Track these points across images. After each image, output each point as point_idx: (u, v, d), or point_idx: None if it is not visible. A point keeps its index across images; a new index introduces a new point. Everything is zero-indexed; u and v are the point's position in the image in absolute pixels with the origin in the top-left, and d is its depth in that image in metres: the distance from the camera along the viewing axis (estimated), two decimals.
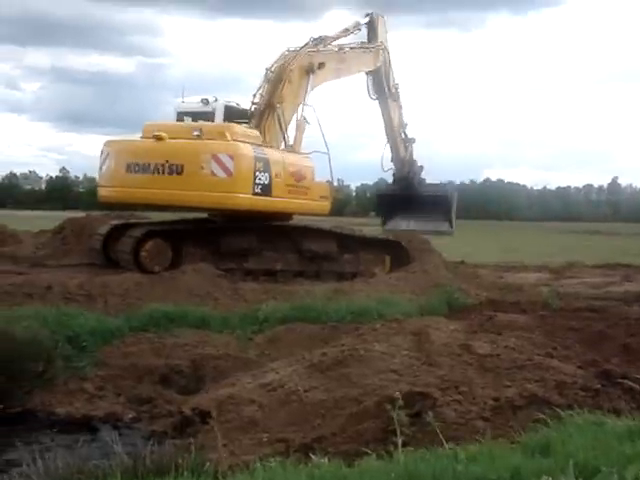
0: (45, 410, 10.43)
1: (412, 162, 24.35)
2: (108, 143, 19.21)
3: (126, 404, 10.73)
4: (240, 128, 18.47)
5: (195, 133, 18.02)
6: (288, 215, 19.99)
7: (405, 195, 23.11)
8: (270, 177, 18.17)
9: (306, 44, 20.01)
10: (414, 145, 24.46)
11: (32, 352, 10.73)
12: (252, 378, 10.13)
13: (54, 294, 14.70)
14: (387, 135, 23.23)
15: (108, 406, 10.65)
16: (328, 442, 7.21)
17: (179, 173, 17.61)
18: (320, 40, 20.41)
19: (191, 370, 11.80)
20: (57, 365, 11.18)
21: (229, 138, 17.87)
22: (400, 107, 23.81)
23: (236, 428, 8.33)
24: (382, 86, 22.96)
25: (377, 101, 23.22)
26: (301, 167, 19.64)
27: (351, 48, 21.57)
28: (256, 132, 18.80)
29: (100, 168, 19.00)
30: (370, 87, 22.90)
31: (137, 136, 19.33)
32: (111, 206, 22.42)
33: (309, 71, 19.67)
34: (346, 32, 21.63)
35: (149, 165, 17.84)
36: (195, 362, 11.96)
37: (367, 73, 22.51)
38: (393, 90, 23.43)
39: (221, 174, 17.43)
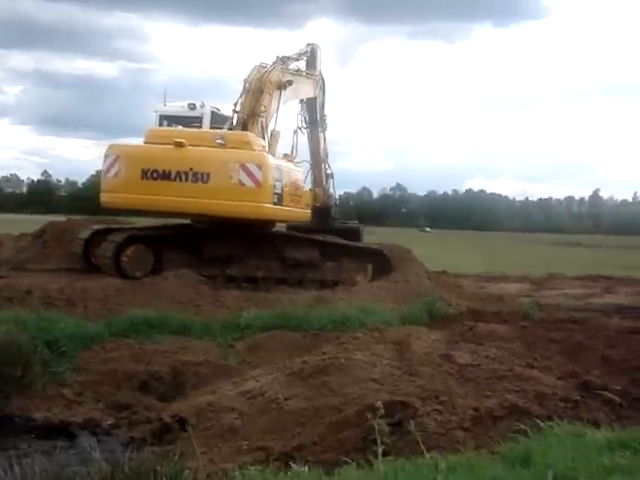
0: (23, 415, 10.33)
1: (329, 195, 23.80)
2: (114, 147, 18.91)
3: (105, 410, 10.65)
4: (256, 137, 18.55)
5: (218, 141, 17.97)
6: (274, 223, 20.10)
7: (320, 229, 22.47)
8: (282, 186, 18.32)
9: (275, 61, 20.16)
10: (332, 181, 24.04)
11: (11, 356, 10.62)
12: (232, 385, 10.10)
13: (34, 298, 14.61)
14: (312, 164, 23.05)
15: (87, 412, 10.57)
16: (308, 451, 7.19)
17: (205, 181, 17.54)
18: (284, 60, 20.58)
19: (171, 377, 11.74)
20: (36, 370, 11.07)
21: (255, 147, 17.94)
22: (325, 139, 23.79)
23: (216, 435, 8.30)
24: (314, 115, 23.01)
25: (307, 129, 23.09)
26: (297, 176, 19.95)
27: (302, 74, 21.76)
28: (263, 141, 18.90)
29: (105, 173, 18.69)
30: (304, 115, 22.92)
31: (136, 141, 19.19)
32: (115, 212, 22.17)
33: (280, 86, 19.84)
34: (299, 56, 21.84)
35: (170, 172, 17.69)
36: (175, 369, 11.91)
37: (301, 101, 22.58)
38: (323, 121, 23.45)
39: (249, 183, 17.46)
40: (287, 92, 20.28)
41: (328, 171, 23.68)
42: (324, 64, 23.32)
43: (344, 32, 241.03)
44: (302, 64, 22.20)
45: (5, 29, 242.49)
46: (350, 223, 24.37)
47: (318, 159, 23.25)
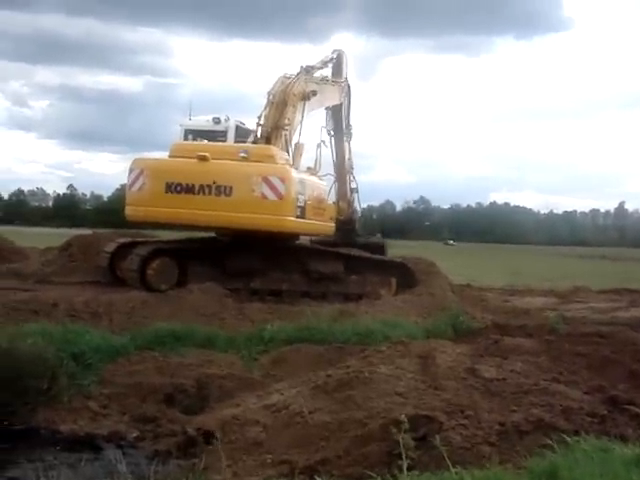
0: (49, 427, 10.38)
1: (354, 209, 23.74)
2: (139, 161, 19.07)
3: (130, 423, 10.68)
4: (279, 150, 18.63)
5: (242, 154, 18.08)
6: (298, 236, 20.14)
7: (344, 244, 22.23)
8: (305, 200, 18.38)
9: (299, 72, 20.21)
10: (356, 194, 23.84)
11: (37, 369, 10.70)
12: (257, 399, 10.10)
13: (60, 311, 14.71)
14: (336, 176, 22.88)
15: (112, 425, 10.60)
16: (332, 464, 7.16)
17: (227, 195, 17.63)
18: (309, 69, 20.62)
19: (196, 390, 11.75)
20: (62, 382, 11.14)
21: (278, 161, 18.03)
22: (350, 150, 23.68)
23: (240, 449, 8.30)
24: (339, 123, 22.97)
25: (332, 138, 23.01)
26: (321, 189, 20.00)
27: (327, 80, 21.78)
28: (286, 154, 18.97)
29: (129, 186, 18.84)
30: (328, 122, 22.91)
31: (160, 155, 19.31)
32: (140, 225, 22.31)
33: (305, 97, 19.88)
34: (323, 64, 21.86)
35: (193, 186, 17.81)
36: (200, 382, 11.92)
37: (327, 108, 22.56)
38: (348, 130, 23.40)
39: (272, 197, 17.54)
40: (312, 102, 20.33)
41: (353, 184, 23.64)
42: (349, 73, 23.32)
43: (366, 46, 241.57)
44: (327, 71, 22.20)
45: (31, 45, 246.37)
46: (374, 238, 24.31)
47: (342, 171, 23.22)
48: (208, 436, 8.91)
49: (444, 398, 8.20)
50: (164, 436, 9.95)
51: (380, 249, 22.67)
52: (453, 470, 5.71)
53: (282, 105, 19.40)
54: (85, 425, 10.53)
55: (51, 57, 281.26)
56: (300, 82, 19.89)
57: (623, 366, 11.45)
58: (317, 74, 21.24)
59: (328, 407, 8.65)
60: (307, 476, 6.65)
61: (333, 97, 22.12)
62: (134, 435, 10.28)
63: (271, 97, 19.65)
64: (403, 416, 6.41)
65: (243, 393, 11.04)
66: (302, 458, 7.52)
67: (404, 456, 5.85)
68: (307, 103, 20.07)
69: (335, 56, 22.67)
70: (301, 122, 20.04)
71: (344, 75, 22.84)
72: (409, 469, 5.77)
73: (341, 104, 22.70)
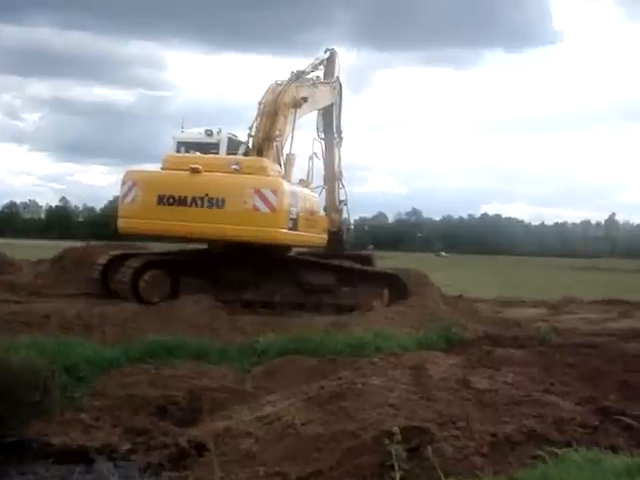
0: (41, 440, 10.33)
1: (342, 220, 23.50)
2: (131, 173, 19.12)
3: (122, 435, 10.64)
4: (271, 162, 18.66)
5: (234, 167, 18.11)
6: (290, 248, 20.15)
7: (332, 255, 21.94)
8: (297, 212, 18.40)
9: (290, 78, 20.21)
10: (346, 206, 23.75)
11: (29, 381, 10.67)
12: (249, 411, 10.09)
13: (52, 323, 14.71)
14: (325, 180, 22.83)
15: (104, 437, 10.55)
16: (325, 476, 7.17)
17: (220, 207, 17.65)
18: (299, 75, 20.63)
19: (188, 402, 11.72)
20: (54, 395, 11.09)
21: (270, 173, 18.06)
22: (340, 157, 23.58)
23: (232, 461, 8.29)
24: (331, 125, 22.92)
25: (323, 142, 22.91)
26: (313, 201, 20.01)
27: (320, 83, 21.78)
28: (278, 166, 19.00)
29: (122, 199, 18.84)
30: (319, 125, 22.88)
31: (152, 167, 19.32)
32: (132, 237, 22.30)
33: (296, 105, 19.90)
34: (314, 67, 21.86)
35: (185, 198, 17.81)
36: (192, 394, 11.89)
37: (319, 110, 22.54)
38: (339, 134, 23.32)
39: (264, 209, 17.60)
40: (303, 107, 20.35)
41: (342, 195, 23.60)
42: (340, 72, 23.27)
43: (357, 59, 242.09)
44: (319, 73, 22.13)
45: (23, 57, 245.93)
46: (363, 252, 24.18)
47: (332, 179, 23.13)
48: (200, 448, 8.90)
49: (436, 409, 8.21)
50: (156, 448, 9.91)
51: (368, 261, 22.69)
52: None
53: (273, 115, 19.44)
54: (77, 437, 10.49)
55: (43, 69, 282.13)
56: (291, 89, 19.91)
57: (614, 377, 11.49)
58: (308, 76, 21.24)
59: (321, 419, 8.66)
60: None
61: (325, 98, 22.13)
62: (126, 447, 10.23)
63: (262, 107, 19.68)
64: (395, 427, 6.42)
65: (235, 405, 11.02)
66: (295, 470, 7.52)
67: (396, 467, 5.86)
68: (298, 110, 20.09)
69: (327, 56, 22.65)
70: (292, 132, 20.06)
71: (336, 74, 22.84)
72: None
73: (333, 104, 22.69)
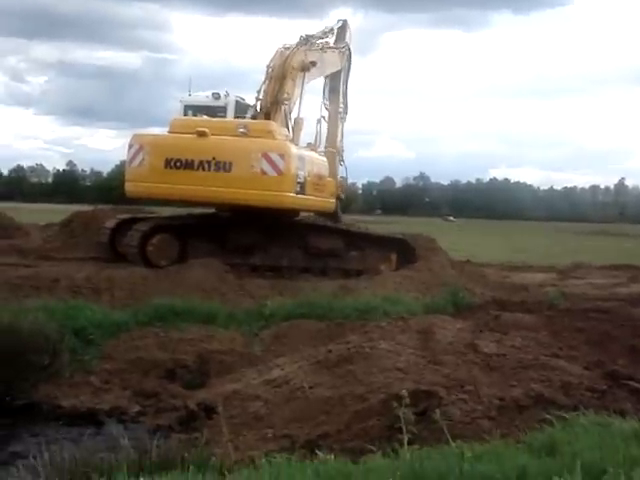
0: (51, 403, 10.43)
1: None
2: (138, 137, 19.02)
3: (132, 398, 10.73)
4: (279, 126, 18.52)
5: (241, 130, 18.00)
6: (298, 212, 20.08)
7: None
8: (304, 176, 18.31)
9: (299, 42, 20.02)
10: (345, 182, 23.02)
11: (38, 345, 10.74)
12: (257, 374, 10.16)
13: (61, 287, 14.76)
14: (326, 150, 21.98)
15: (114, 400, 10.65)
16: (333, 439, 7.21)
17: (227, 170, 17.59)
18: (308, 39, 20.42)
19: (197, 365, 11.81)
20: (63, 358, 11.19)
21: (277, 136, 17.95)
22: (343, 133, 23.03)
23: (241, 423, 8.34)
24: (337, 92, 22.59)
25: (327, 111, 22.44)
26: (321, 165, 19.88)
27: (329, 48, 21.56)
28: (285, 130, 18.86)
29: (129, 162, 18.78)
30: (326, 92, 22.60)
31: (158, 130, 19.18)
32: (140, 201, 22.23)
33: (304, 69, 19.72)
34: (324, 34, 21.61)
35: (192, 161, 17.75)
36: (201, 357, 11.97)
37: (326, 76, 22.29)
38: (345, 106, 22.89)
39: (271, 172, 17.50)
40: (312, 72, 20.17)
41: (342, 173, 22.80)
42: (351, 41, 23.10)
43: (364, 21, 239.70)
44: (328, 40, 21.89)
45: (27, 19, 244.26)
46: (355, 225, 23.48)
47: (334, 145, 22.60)
48: (209, 411, 8.97)
49: (444, 373, 8.23)
50: (165, 411, 10.00)
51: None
52: (453, 444, 5.74)
53: (281, 78, 19.26)
54: (87, 400, 10.59)
55: (48, 32, 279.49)
56: (299, 53, 19.71)
57: (622, 341, 11.50)
58: (317, 43, 21.04)
59: (329, 382, 8.70)
60: (308, 450, 6.68)
61: (334, 64, 21.90)
62: (136, 410, 10.33)
63: (270, 70, 19.49)
64: (404, 391, 6.42)
65: (244, 368, 11.11)
66: (303, 432, 7.56)
67: (404, 430, 5.87)
68: (307, 74, 19.91)
69: (339, 26, 22.45)
70: (301, 95, 19.89)
71: (346, 40, 22.62)
72: (409, 443, 5.79)
73: (341, 70, 22.48)
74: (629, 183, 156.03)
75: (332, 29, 22.18)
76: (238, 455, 6.95)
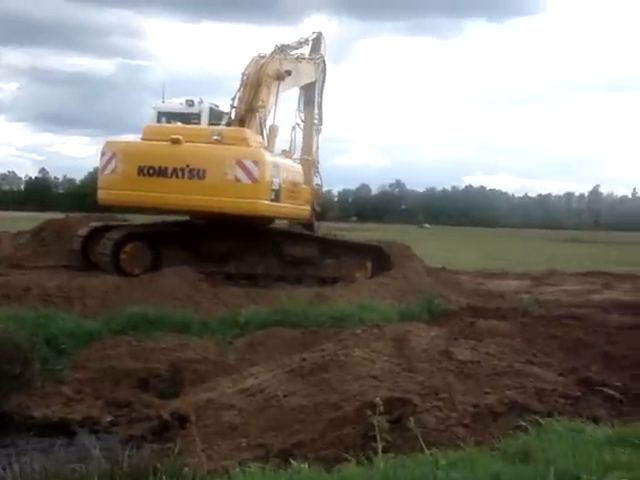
0: (22, 413, 10.29)
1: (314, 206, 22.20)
2: (111, 144, 18.87)
3: (104, 408, 10.62)
4: (253, 133, 18.47)
5: (215, 137, 17.93)
6: (273, 219, 20.02)
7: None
8: (279, 183, 18.27)
9: (274, 51, 20.02)
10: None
11: (9, 354, 10.60)
12: (232, 383, 10.09)
13: (32, 296, 14.59)
14: (301, 158, 21.77)
15: (86, 410, 10.53)
16: (307, 447, 7.18)
17: (201, 178, 17.50)
18: (283, 48, 20.42)
19: (170, 374, 11.71)
20: (34, 367, 11.05)
21: (252, 144, 17.89)
22: (318, 145, 22.94)
23: (215, 433, 8.29)
24: (312, 104, 22.60)
25: (302, 123, 22.30)
26: (295, 172, 19.83)
27: (304, 59, 21.57)
28: (260, 137, 18.82)
29: (102, 170, 18.62)
30: (300, 102, 22.60)
31: (132, 137, 19.05)
32: (113, 209, 22.07)
33: (279, 77, 19.72)
34: (299, 44, 21.64)
35: (166, 169, 17.63)
36: (174, 366, 11.88)
37: (301, 87, 22.29)
38: (319, 117, 22.85)
39: (245, 180, 17.41)
40: (287, 81, 20.17)
41: (318, 181, 22.82)
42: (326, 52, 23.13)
43: (339, 28, 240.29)
44: (303, 51, 21.93)
45: (0, 25, 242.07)
46: (331, 234, 23.45)
47: (309, 155, 22.52)
48: (183, 420, 8.89)
49: (418, 381, 8.23)
50: (138, 421, 9.91)
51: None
52: (427, 452, 5.72)
53: (256, 86, 19.24)
54: (58, 410, 10.46)
55: (21, 39, 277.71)
56: (274, 62, 19.71)
57: (596, 348, 11.60)
58: (293, 52, 21.05)
59: (303, 390, 8.66)
60: (282, 459, 6.64)
61: (309, 74, 21.90)
62: (108, 420, 10.22)
63: (245, 78, 19.46)
64: (378, 399, 6.40)
65: (218, 377, 11.03)
66: (277, 441, 7.53)
67: (379, 438, 5.84)
68: (281, 83, 19.90)
69: (313, 37, 22.49)
70: (275, 103, 19.88)
71: (321, 52, 22.65)
72: (384, 451, 5.77)
73: (315, 81, 22.48)
74: (603, 190, 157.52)
75: (307, 40, 22.19)
76: (211, 465, 6.89)
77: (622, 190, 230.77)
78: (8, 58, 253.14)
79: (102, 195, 18.63)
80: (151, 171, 17.67)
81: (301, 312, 14.82)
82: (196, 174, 17.50)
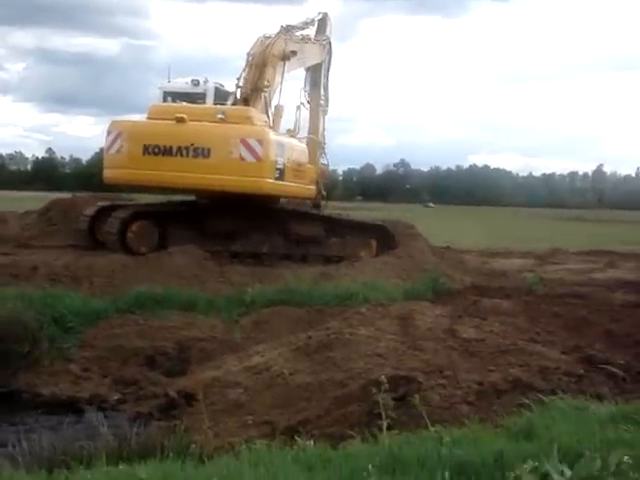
0: (30, 391, 10.41)
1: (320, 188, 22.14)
2: (117, 124, 18.88)
3: (111, 386, 10.72)
4: (257, 112, 18.46)
5: (219, 116, 17.93)
6: (278, 198, 20.03)
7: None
8: (284, 162, 18.27)
9: (279, 31, 19.95)
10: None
11: (17, 333, 10.70)
12: (238, 361, 10.17)
13: (40, 275, 14.66)
14: (307, 137, 21.78)
15: (93, 387, 10.64)
16: (313, 425, 7.25)
17: (205, 156, 17.52)
18: (289, 29, 20.35)
19: (177, 352, 11.80)
20: (42, 346, 11.15)
21: (256, 122, 17.89)
22: (325, 126, 22.86)
23: (221, 410, 8.37)
24: (318, 85, 22.52)
25: (308, 104, 22.11)
26: (300, 152, 19.82)
27: (309, 39, 21.48)
28: (265, 116, 18.81)
29: (107, 149, 18.67)
30: (306, 84, 22.50)
31: (137, 117, 19.05)
32: (119, 188, 22.12)
33: (285, 57, 19.67)
34: (305, 25, 21.54)
35: (171, 148, 17.67)
36: (181, 344, 11.97)
37: (307, 69, 22.24)
38: (325, 98, 22.78)
39: (250, 159, 17.43)
40: (292, 62, 20.12)
41: (324, 161, 22.93)
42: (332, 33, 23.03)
43: (344, 7, 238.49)
44: (309, 31, 21.85)
45: (5, 6, 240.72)
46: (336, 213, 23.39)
47: (316, 136, 22.55)
48: (189, 398, 8.98)
49: (423, 359, 8.28)
50: (146, 398, 10.00)
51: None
52: (432, 429, 5.77)
53: (261, 66, 19.20)
54: (66, 388, 10.57)
55: (27, 19, 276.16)
56: (280, 42, 19.65)
57: (599, 326, 11.61)
58: (298, 33, 20.97)
59: (309, 368, 8.73)
60: (288, 436, 6.71)
61: (314, 56, 21.83)
62: (115, 398, 10.32)
63: (250, 58, 19.43)
64: (383, 377, 6.45)
65: (224, 355, 11.10)
66: (283, 419, 7.60)
67: (384, 416, 5.89)
68: (287, 63, 19.86)
69: (319, 18, 22.38)
70: (281, 83, 19.85)
71: (327, 34, 22.56)
72: (389, 428, 5.82)
73: (321, 63, 22.41)
74: (607, 169, 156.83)
75: (313, 20, 22.07)
76: (218, 442, 6.98)
77: (626, 169, 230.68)
78: (14, 38, 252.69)
79: (108, 174, 18.67)
80: (156, 150, 17.68)
81: (306, 291, 14.88)
82: (201, 153, 17.52)
